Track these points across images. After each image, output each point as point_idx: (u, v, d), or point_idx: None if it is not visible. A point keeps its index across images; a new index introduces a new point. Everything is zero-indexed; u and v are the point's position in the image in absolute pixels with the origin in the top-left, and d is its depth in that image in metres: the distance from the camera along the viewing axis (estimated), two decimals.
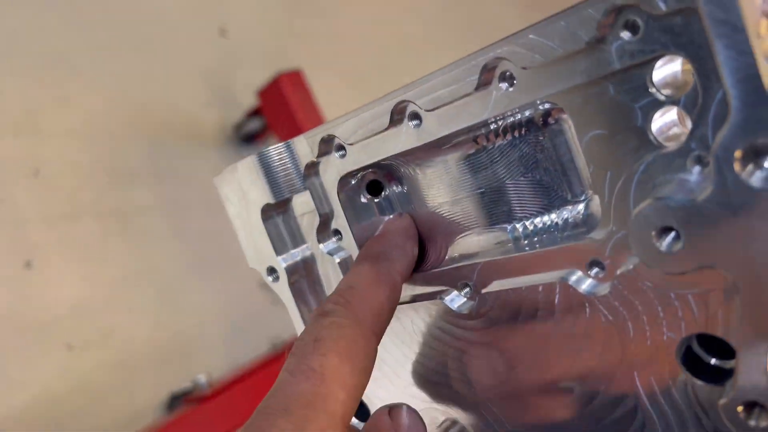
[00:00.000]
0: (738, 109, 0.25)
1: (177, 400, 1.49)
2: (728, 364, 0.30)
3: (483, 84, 0.33)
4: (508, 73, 0.32)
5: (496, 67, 0.33)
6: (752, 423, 0.29)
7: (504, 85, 0.33)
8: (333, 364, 0.30)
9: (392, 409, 0.34)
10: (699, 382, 0.31)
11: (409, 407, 0.35)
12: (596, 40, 0.29)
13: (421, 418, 0.34)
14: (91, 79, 1.67)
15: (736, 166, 0.26)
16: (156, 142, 1.75)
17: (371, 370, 0.33)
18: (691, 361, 0.32)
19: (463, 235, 0.40)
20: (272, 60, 2.02)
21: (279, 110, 1.80)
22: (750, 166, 0.26)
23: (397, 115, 0.38)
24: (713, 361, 0.31)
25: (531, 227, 0.37)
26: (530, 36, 0.31)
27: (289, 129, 1.77)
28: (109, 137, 1.66)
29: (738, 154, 0.25)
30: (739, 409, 0.29)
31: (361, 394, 0.32)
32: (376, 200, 0.44)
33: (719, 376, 0.31)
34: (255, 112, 1.85)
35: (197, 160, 1.82)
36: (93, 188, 1.59)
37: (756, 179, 0.25)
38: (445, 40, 2.63)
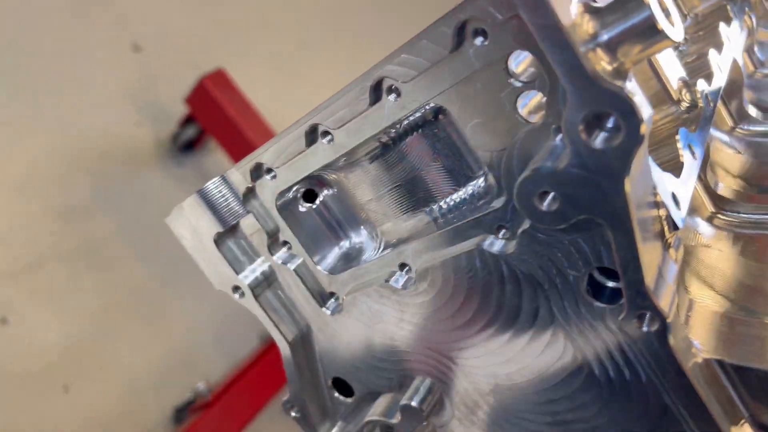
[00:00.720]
0: (572, 91, 0.31)
1: (182, 413, 1.53)
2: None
3: (375, 100, 0.39)
4: (393, 87, 0.38)
5: (381, 84, 0.38)
6: (645, 329, 0.36)
7: (392, 97, 0.38)
8: None
9: None
10: (601, 305, 0.37)
11: None
12: (455, 49, 0.35)
13: None
14: (23, 127, 1.66)
15: (582, 135, 0.31)
16: (99, 172, 1.75)
17: None
18: (596, 289, 0.38)
19: (393, 223, 0.46)
20: (192, 64, 2.02)
21: (210, 112, 1.80)
22: (594, 132, 0.32)
23: (310, 136, 0.42)
24: (610, 284, 0.38)
25: (445, 206, 0.43)
26: (402, 56, 0.36)
27: (225, 128, 1.79)
28: (53, 180, 1.66)
29: (581, 127, 0.31)
30: (635, 321, 0.36)
31: None
32: (314, 206, 0.49)
33: (619, 297, 0.37)
34: (188, 120, 1.86)
35: (143, 180, 1.83)
36: (49, 233, 1.60)
37: (598, 142, 0.31)
38: (362, 7, 2.64)
